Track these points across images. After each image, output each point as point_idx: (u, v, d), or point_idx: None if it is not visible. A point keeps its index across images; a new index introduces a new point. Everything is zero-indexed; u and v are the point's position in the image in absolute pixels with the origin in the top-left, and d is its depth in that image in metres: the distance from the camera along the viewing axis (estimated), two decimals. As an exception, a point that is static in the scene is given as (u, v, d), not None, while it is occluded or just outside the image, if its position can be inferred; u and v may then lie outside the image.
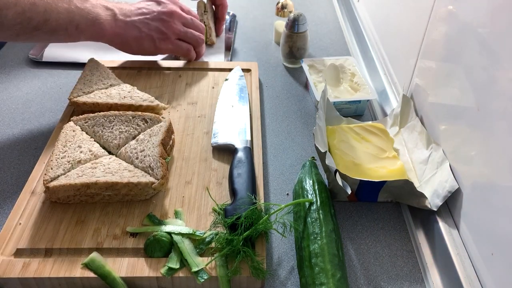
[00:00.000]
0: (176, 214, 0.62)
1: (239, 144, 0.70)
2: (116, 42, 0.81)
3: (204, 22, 1.02)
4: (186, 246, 0.56)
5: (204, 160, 0.70)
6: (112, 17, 0.79)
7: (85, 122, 0.70)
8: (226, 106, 0.79)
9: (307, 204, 0.61)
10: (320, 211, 0.59)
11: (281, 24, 1.03)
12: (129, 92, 0.77)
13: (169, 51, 0.86)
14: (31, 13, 0.69)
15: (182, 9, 0.87)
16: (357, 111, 0.84)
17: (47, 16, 0.70)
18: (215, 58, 0.98)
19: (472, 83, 0.57)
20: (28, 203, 0.62)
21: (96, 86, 0.78)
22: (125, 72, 0.87)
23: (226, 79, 0.86)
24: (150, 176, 0.63)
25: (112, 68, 0.86)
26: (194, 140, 0.74)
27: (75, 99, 0.74)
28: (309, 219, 0.59)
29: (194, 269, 0.54)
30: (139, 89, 0.80)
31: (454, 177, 0.60)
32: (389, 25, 0.90)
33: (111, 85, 0.79)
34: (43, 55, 0.94)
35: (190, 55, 0.88)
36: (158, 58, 0.91)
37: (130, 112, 0.72)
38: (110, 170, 0.63)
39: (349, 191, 0.62)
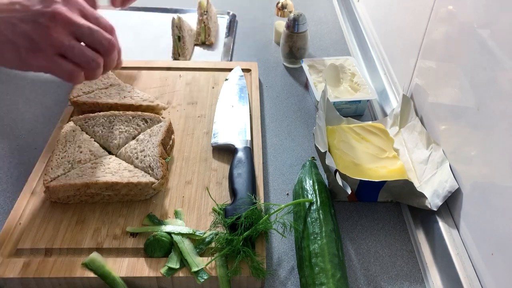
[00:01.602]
0: (176, 214, 0.62)
1: (239, 144, 0.70)
2: None
3: (204, 22, 1.02)
4: (186, 246, 0.56)
5: (204, 160, 0.70)
6: None
7: (85, 122, 0.70)
8: (226, 106, 0.79)
9: (307, 204, 0.61)
10: (320, 211, 0.59)
11: (281, 24, 1.03)
12: (129, 92, 0.77)
13: (42, 68, 0.56)
14: None
15: (82, 12, 0.57)
16: (357, 111, 0.84)
17: None
18: (213, 58, 0.98)
19: (472, 83, 0.57)
20: (28, 203, 0.62)
21: (96, 86, 0.78)
22: (125, 72, 0.87)
23: (226, 79, 0.86)
24: (150, 176, 0.63)
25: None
26: (194, 140, 0.74)
27: (75, 99, 0.74)
28: (309, 219, 0.59)
29: (194, 269, 0.54)
30: (139, 89, 0.80)
31: (454, 177, 0.60)
32: (389, 25, 0.90)
33: (111, 85, 0.79)
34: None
35: (74, 79, 0.57)
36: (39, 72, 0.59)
37: (130, 112, 0.72)
38: (110, 170, 0.63)
39: (349, 191, 0.62)
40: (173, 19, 0.96)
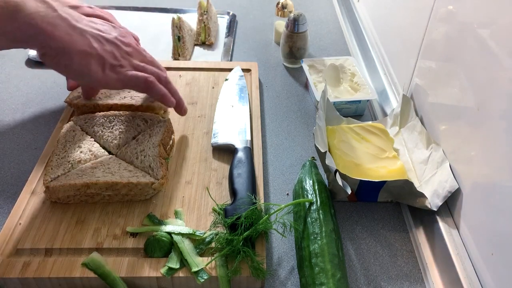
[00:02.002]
0: (176, 214, 0.62)
1: (239, 144, 0.70)
2: (51, 49, 0.57)
3: (204, 22, 1.02)
4: (186, 246, 0.56)
5: (204, 160, 0.70)
6: (49, 11, 0.56)
7: (85, 122, 0.70)
8: (226, 106, 0.79)
9: (307, 204, 0.61)
10: (320, 211, 0.59)
11: (281, 24, 1.03)
12: (129, 92, 0.77)
13: (120, 84, 0.63)
14: None
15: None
16: (357, 111, 0.84)
17: None
18: (213, 58, 0.98)
19: (472, 83, 0.57)
20: (28, 203, 0.62)
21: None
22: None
23: (226, 79, 0.86)
24: (150, 176, 0.63)
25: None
26: (194, 140, 0.74)
27: (75, 101, 0.74)
28: (309, 219, 0.59)
29: (194, 269, 0.54)
30: None
31: (454, 177, 0.60)
32: (389, 25, 0.90)
33: None
34: (43, 55, 0.94)
35: (153, 88, 0.65)
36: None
37: (130, 112, 0.72)
38: (110, 170, 0.63)
39: (349, 191, 0.62)
40: (173, 19, 0.96)
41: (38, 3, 0.55)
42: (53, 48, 0.57)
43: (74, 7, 0.64)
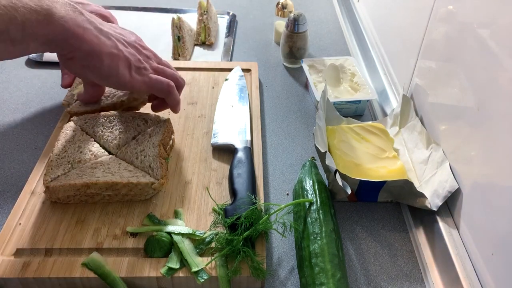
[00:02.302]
0: (176, 214, 0.62)
1: (239, 144, 0.70)
2: (82, 52, 0.58)
3: (204, 22, 1.02)
4: (186, 246, 0.56)
5: (204, 160, 0.70)
6: (77, 14, 0.57)
7: (85, 122, 0.70)
8: (226, 106, 0.79)
9: (307, 204, 0.61)
10: (320, 211, 0.59)
11: (281, 24, 1.03)
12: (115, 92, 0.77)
13: (145, 86, 0.64)
14: None
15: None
16: (357, 111, 0.84)
17: None
18: (213, 58, 0.98)
19: (472, 83, 0.57)
20: (28, 203, 0.62)
21: None
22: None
23: (226, 79, 0.86)
24: (150, 176, 0.63)
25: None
26: (194, 140, 0.74)
27: (74, 110, 0.73)
28: (309, 219, 0.59)
29: (194, 269, 0.54)
30: None
31: (454, 177, 0.60)
32: (389, 25, 0.90)
33: None
34: (43, 55, 0.94)
35: (172, 93, 0.67)
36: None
37: (130, 112, 0.72)
38: (110, 170, 0.63)
39: (349, 191, 0.62)
40: (173, 19, 0.96)
41: (66, 6, 0.56)
42: (84, 51, 0.58)
43: (81, 4, 0.65)
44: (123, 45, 0.62)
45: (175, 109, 0.70)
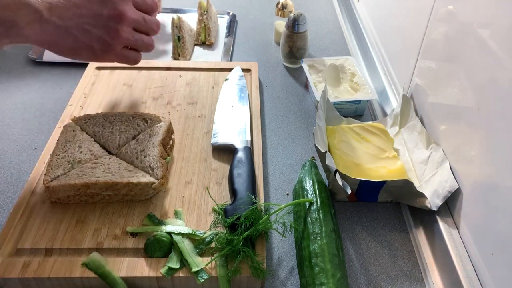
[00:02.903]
0: (176, 214, 0.62)
1: (239, 144, 0.70)
2: (45, 47, 0.65)
3: (204, 22, 1.02)
4: (186, 246, 0.56)
5: (204, 160, 0.70)
6: (37, 19, 0.58)
7: (85, 122, 0.70)
8: (226, 106, 0.79)
9: (307, 204, 0.61)
10: (320, 211, 0.59)
11: (281, 24, 1.03)
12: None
13: (112, 60, 0.69)
14: None
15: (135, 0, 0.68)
16: (357, 111, 0.84)
17: None
18: (213, 58, 0.98)
19: (472, 83, 0.57)
20: (28, 203, 0.62)
21: None
22: (125, 72, 0.87)
23: (226, 79, 0.86)
24: (150, 176, 0.63)
25: (113, 69, 0.87)
26: (194, 140, 0.74)
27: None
28: (309, 219, 0.59)
29: (194, 269, 0.54)
30: (140, 89, 0.80)
31: (454, 177, 0.60)
32: (389, 25, 0.90)
33: None
34: (43, 55, 0.94)
35: (138, 62, 0.71)
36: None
37: (130, 112, 0.72)
38: (110, 170, 0.63)
39: (349, 191, 0.62)
40: (173, 19, 0.96)
41: (28, 11, 0.57)
42: (46, 47, 0.64)
43: None
44: (86, 33, 0.63)
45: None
